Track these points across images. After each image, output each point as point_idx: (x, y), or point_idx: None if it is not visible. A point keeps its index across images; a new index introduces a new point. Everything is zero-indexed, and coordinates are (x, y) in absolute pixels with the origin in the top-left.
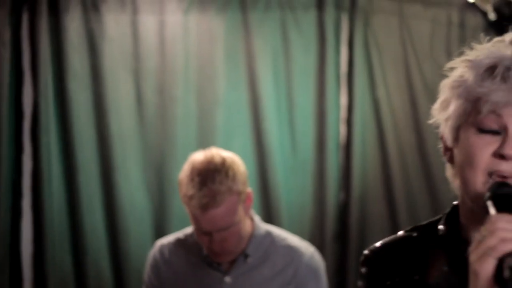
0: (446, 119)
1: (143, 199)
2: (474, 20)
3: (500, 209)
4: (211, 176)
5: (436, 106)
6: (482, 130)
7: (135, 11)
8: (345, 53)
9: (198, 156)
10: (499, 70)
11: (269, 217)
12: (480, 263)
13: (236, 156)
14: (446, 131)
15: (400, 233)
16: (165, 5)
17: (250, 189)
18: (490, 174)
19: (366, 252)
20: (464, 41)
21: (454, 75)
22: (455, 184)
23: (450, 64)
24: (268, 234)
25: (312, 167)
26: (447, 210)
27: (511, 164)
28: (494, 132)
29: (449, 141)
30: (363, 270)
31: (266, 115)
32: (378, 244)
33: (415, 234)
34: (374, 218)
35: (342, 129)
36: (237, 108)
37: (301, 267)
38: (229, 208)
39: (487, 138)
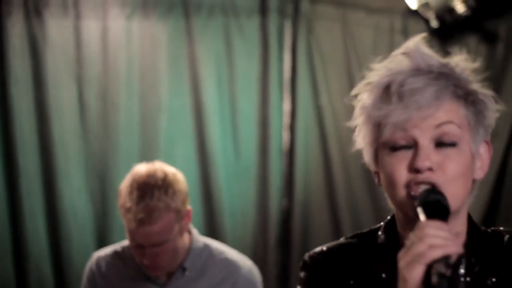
0: (364, 147)
1: (85, 206)
2: (416, 27)
3: (429, 215)
4: (150, 191)
5: (356, 133)
6: (394, 148)
7: (77, 16)
8: (288, 59)
9: (141, 169)
10: (394, 89)
11: (211, 223)
12: (409, 270)
13: (179, 172)
14: (366, 157)
15: (341, 239)
16: (108, 10)
17: (189, 207)
18: (410, 188)
19: (305, 257)
20: None
21: (360, 101)
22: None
23: (355, 90)
24: (206, 247)
25: (255, 173)
26: (387, 219)
27: (427, 175)
28: (406, 147)
29: (372, 166)
30: (301, 274)
31: (209, 121)
32: (318, 249)
33: (355, 241)
34: (317, 224)
35: (285, 136)
36: (180, 114)
37: (239, 281)
38: (165, 225)
39: (400, 154)
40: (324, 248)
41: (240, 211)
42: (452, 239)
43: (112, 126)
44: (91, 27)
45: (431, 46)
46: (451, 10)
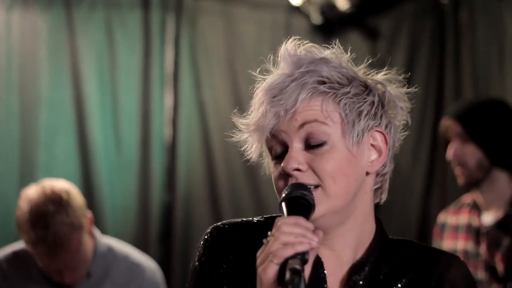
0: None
1: None
2: (299, 22)
3: (291, 211)
4: (52, 219)
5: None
6: (275, 157)
7: None
8: (170, 53)
9: (33, 195)
10: (260, 97)
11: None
12: (263, 268)
13: (68, 184)
14: (266, 164)
15: (252, 218)
16: None
17: (89, 213)
18: None
19: (211, 228)
20: None
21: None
22: None
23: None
24: (110, 250)
25: (137, 168)
26: None
27: (297, 176)
28: (283, 155)
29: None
30: (201, 244)
31: (90, 115)
32: (225, 222)
33: (263, 220)
34: (199, 219)
35: (167, 130)
36: (61, 107)
37: (143, 283)
38: (77, 245)
39: (279, 161)
40: (231, 222)
41: (121, 206)
42: (308, 235)
43: None
44: None
45: (312, 41)
46: (333, 7)
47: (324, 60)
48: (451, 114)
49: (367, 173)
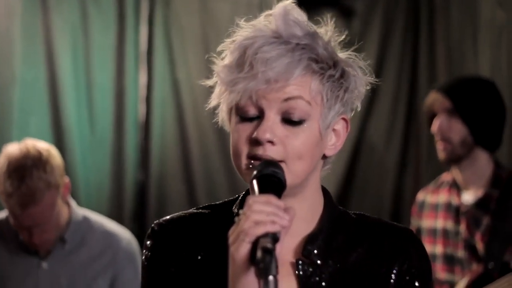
0: (219, 105)
1: None
2: (273, 1)
3: (262, 189)
4: (29, 172)
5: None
6: (243, 118)
7: None
8: (145, 31)
9: (13, 150)
10: (248, 55)
11: None
12: (235, 247)
13: (51, 147)
14: (221, 115)
15: (193, 209)
16: None
17: (67, 178)
18: (250, 159)
19: (153, 224)
20: None
21: (222, 58)
22: None
23: (220, 47)
24: (86, 220)
25: (111, 146)
26: (243, 192)
27: (267, 147)
28: (254, 119)
29: (227, 126)
30: (147, 242)
31: (64, 93)
32: (167, 217)
33: (207, 212)
34: (173, 196)
35: (141, 108)
36: (34, 86)
37: (119, 252)
38: (49, 203)
39: (248, 124)
40: (174, 216)
41: (95, 184)
42: (279, 214)
43: None
44: None
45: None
46: None
47: (318, 36)
48: (440, 88)
49: (324, 156)
